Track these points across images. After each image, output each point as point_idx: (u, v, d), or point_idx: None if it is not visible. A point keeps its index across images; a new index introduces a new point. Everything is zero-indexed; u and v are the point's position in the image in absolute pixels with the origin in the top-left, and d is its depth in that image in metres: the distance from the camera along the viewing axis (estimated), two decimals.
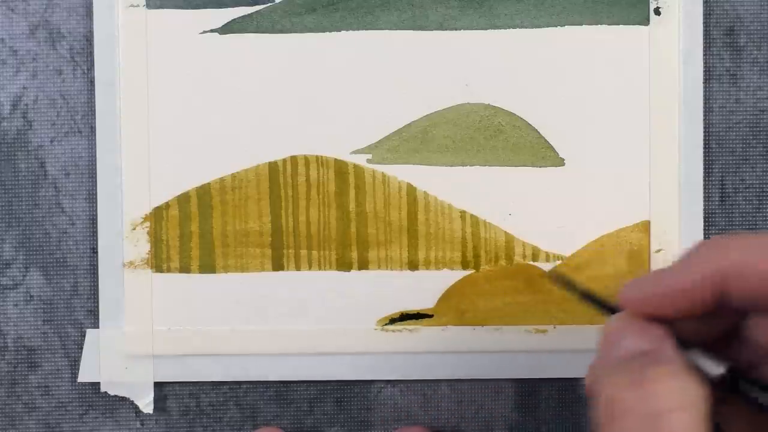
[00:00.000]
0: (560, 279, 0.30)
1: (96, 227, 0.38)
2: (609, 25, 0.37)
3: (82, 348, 0.38)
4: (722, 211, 0.38)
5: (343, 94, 0.38)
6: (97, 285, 0.38)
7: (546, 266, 0.38)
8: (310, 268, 0.38)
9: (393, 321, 0.38)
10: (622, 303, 0.26)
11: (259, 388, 0.38)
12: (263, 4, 0.38)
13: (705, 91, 0.38)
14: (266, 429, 0.38)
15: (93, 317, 0.38)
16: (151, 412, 0.38)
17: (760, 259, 0.23)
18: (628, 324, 0.25)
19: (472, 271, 0.38)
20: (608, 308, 0.27)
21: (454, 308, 0.38)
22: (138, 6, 0.37)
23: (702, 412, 0.22)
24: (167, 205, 0.38)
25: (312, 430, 0.39)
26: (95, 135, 0.38)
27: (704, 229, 0.38)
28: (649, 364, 0.23)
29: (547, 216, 0.38)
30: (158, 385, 0.38)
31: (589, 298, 0.28)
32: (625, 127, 0.37)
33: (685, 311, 0.25)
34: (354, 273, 0.38)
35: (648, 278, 0.25)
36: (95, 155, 0.38)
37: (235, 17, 0.38)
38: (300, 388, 0.38)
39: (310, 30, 0.38)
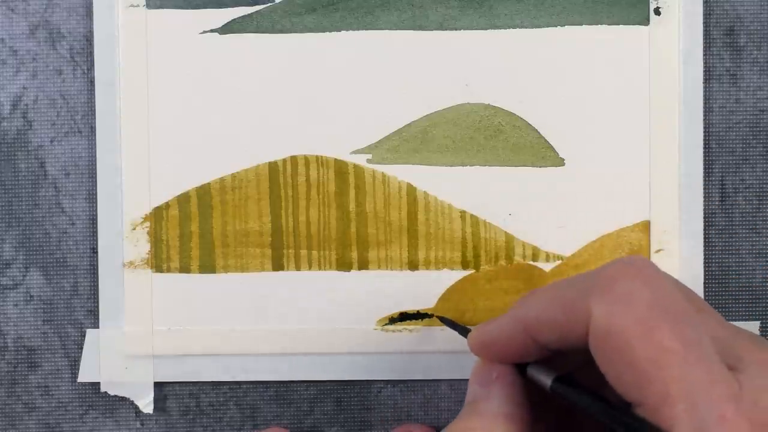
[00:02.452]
0: (442, 318, 0.37)
1: (96, 227, 0.38)
2: (609, 25, 0.37)
3: (82, 348, 0.38)
4: (722, 211, 0.38)
5: (343, 94, 0.38)
6: (97, 285, 0.38)
7: (546, 266, 0.38)
8: (310, 268, 0.38)
9: (393, 321, 0.38)
10: (471, 350, 0.30)
11: (259, 388, 0.38)
12: (263, 4, 0.38)
13: (705, 91, 0.38)
14: (273, 429, 0.38)
15: (93, 317, 0.38)
16: (151, 412, 0.38)
17: (547, 312, 0.27)
18: (474, 370, 0.30)
19: (472, 271, 0.38)
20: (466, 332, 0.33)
21: (454, 308, 0.38)
22: (138, 6, 0.37)
23: None
24: (167, 205, 0.38)
25: (312, 430, 0.39)
26: (95, 135, 0.38)
27: (704, 229, 0.38)
28: (470, 414, 0.29)
29: (547, 216, 0.38)
30: (158, 385, 0.38)
31: (462, 332, 0.35)
32: (625, 127, 0.37)
33: (517, 356, 0.29)
34: (354, 273, 0.38)
35: (482, 327, 0.30)
36: (95, 155, 0.38)
37: (235, 17, 0.38)
38: (300, 388, 0.38)
39: (310, 30, 0.38)
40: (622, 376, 0.25)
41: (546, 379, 0.28)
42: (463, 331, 0.35)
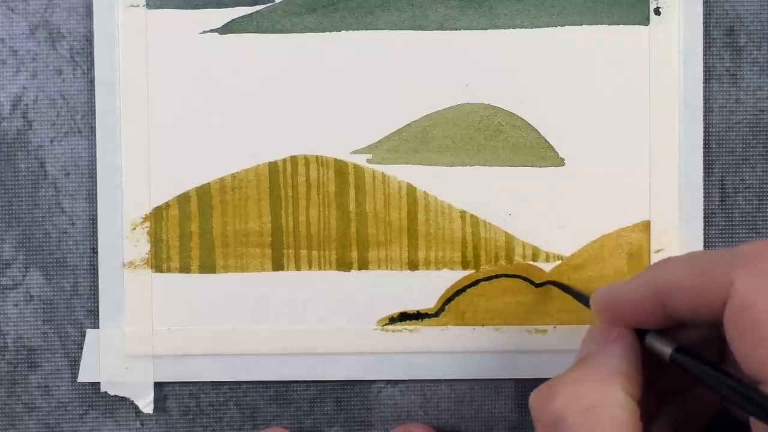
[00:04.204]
0: (557, 284, 0.36)
1: (96, 227, 0.38)
2: (609, 25, 0.37)
3: (82, 348, 0.38)
4: (722, 211, 0.38)
5: (343, 94, 0.38)
6: (97, 285, 0.38)
7: (546, 266, 0.38)
8: (310, 268, 0.38)
9: (393, 321, 0.38)
10: (592, 310, 0.30)
11: (259, 388, 0.38)
12: (263, 4, 0.38)
13: (705, 91, 0.38)
14: (273, 429, 0.38)
15: (93, 317, 0.38)
16: (151, 412, 0.38)
17: (685, 278, 0.27)
18: (592, 329, 0.30)
19: (472, 271, 0.38)
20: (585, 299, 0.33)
21: (454, 308, 0.38)
22: (138, 6, 0.37)
23: (626, 407, 0.27)
24: (167, 205, 0.38)
25: (312, 430, 0.39)
26: (95, 135, 0.38)
27: (704, 229, 0.38)
28: (585, 367, 0.28)
29: (547, 216, 0.38)
30: (158, 385, 0.38)
31: (580, 298, 0.34)
32: (625, 127, 0.37)
33: (641, 321, 0.29)
34: (354, 273, 0.38)
35: (608, 289, 0.30)
36: (95, 155, 0.38)
37: (235, 17, 0.38)
38: (300, 388, 0.38)
39: (310, 30, 0.38)
40: (753, 352, 0.25)
41: (666, 348, 0.28)
42: (580, 296, 0.34)
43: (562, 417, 0.27)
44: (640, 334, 0.29)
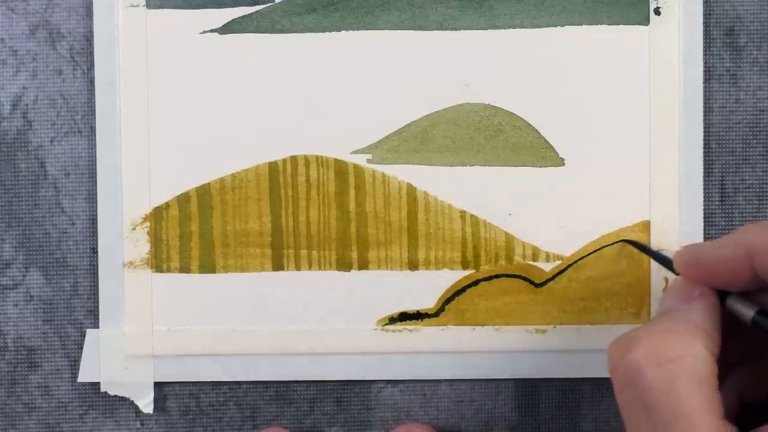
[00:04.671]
0: (632, 242, 0.36)
1: (96, 227, 0.38)
2: (609, 25, 0.37)
3: (82, 348, 0.38)
4: (722, 211, 0.38)
5: (343, 94, 0.38)
6: (97, 285, 0.38)
7: (546, 266, 0.38)
8: (310, 268, 0.38)
9: (393, 321, 0.38)
10: (676, 266, 0.30)
11: (259, 388, 0.38)
12: (263, 4, 0.38)
13: (705, 91, 0.38)
14: (273, 429, 0.38)
15: (93, 317, 0.38)
16: (151, 412, 0.38)
17: None
18: (674, 286, 0.30)
19: (472, 271, 0.38)
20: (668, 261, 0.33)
21: (453, 308, 0.38)
22: (138, 6, 0.37)
23: (706, 363, 0.26)
24: (167, 205, 0.38)
25: (312, 430, 0.39)
26: (95, 135, 0.38)
27: (704, 229, 0.38)
28: (670, 319, 0.28)
29: (547, 216, 0.38)
30: (158, 385, 0.38)
31: (658, 258, 0.34)
32: (625, 127, 0.37)
33: (726, 281, 0.28)
34: (354, 273, 0.38)
35: (695, 247, 0.30)
36: (95, 155, 0.38)
37: (235, 17, 0.38)
38: (300, 388, 0.38)
39: (310, 30, 0.38)
40: None
41: (748, 311, 0.28)
42: (661, 258, 0.34)
43: (640, 368, 0.26)
44: (722, 296, 0.29)
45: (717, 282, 0.29)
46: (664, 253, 0.35)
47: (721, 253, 0.28)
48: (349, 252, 0.38)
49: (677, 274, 0.31)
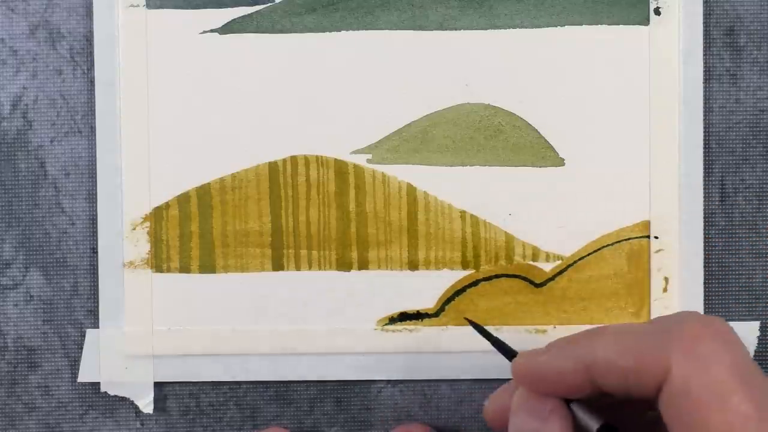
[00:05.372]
0: (472, 323, 0.35)
1: (96, 227, 0.38)
2: (609, 25, 0.37)
3: (82, 348, 0.38)
4: (722, 211, 0.38)
5: (343, 94, 0.38)
6: (97, 285, 0.38)
7: (546, 266, 0.38)
8: (310, 268, 0.38)
9: (393, 321, 0.38)
10: (514, 377, 0.29)
11: (259, 388, 0.38)
12: (263, 4, 0.38)
13: (705, 91, 0.38)
14: (273, 429, 0.38)
15: (93, 317, 0.38)
16: (151, 412, 0.38)
17: (618, 357, 0.26)
18: (522, 401, 0.29)
19: (472, 271, 0.38)
20: (510, 355, 0.32)
21: (453, 308, 0.38)
22: (138, 6, 0.37)
23: None
24: (167, 205, 0.38)
25: (312, 430, 0.39)
26: (95, 135, 0.38)
27: (704, 229, 0.38)
28: None
29: (547, 216, 0.38)
30: (158, 385, 0.38)
31: (495, 343, 0.33)
32: (625, 127, 0.37)
33: (567, 392, 0.28)
34: (354, 273, 0.38)
35: (532, 356, 0.29)
36: (95, 155, 0.38)
37: (235, 17, 0.38)
38: (300, 388, 0.38)
39: (310, 30, 0.38)
40: None
41: (592, 423, 0.28)
42: (506, 352, 0.33)
43: None
44: (566, 401, 0.29)
45: (557, 392, 0.29)
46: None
47: (560, 366, 0.28)
48: (349, 252, 0.38)
49: (510, 361, 0.30)
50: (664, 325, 0.27)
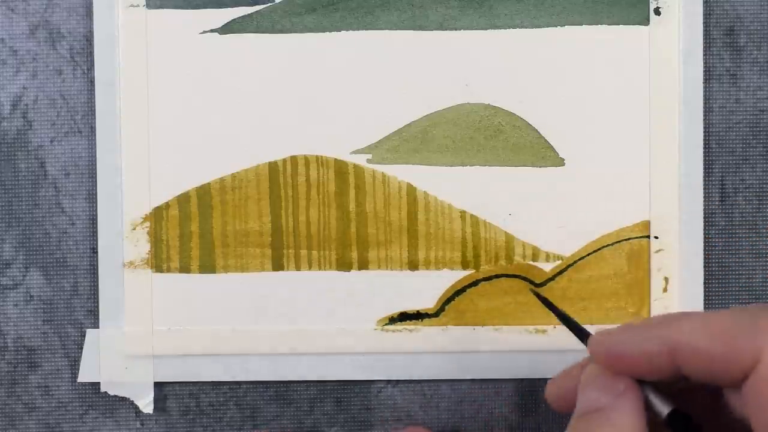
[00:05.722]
0: (543, 299, 0.33)
1: (96, 227, 0.38)
2: (609, 25, 0.37)
3: (82, 348, 0.38)
4: (722, 211, 0.38)
5: (343, 94, 0.38)
6: (97, 285, 0.38)
7: (546, 266, 0.38)
8: (310, 268, 0.38)
9: (393, 321, 0.38)
10: (592, 354, 0.28)
11: (259, 388, 0.38)
12: (263, 4, 0.38)
13: (705, 91, 0.38)
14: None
15: (93, 317, 0.38)
16: (151, 412, 0.38)
17: (705, 342, 0.26)
18: (593, 377, 0.28)
19: (472, 271, 0.38)
20: (583, 334, 0.31)
21: (454, 308, 0.38)
22: (138, 6, 0.37)
23: None
24: (167, 205, 0.38)
25: (312, 430, 0.39)
26: (95, 135, 0.38)
27: (704, 229, 0.38)
28: (602, 425, 0.27)
29: (547, 216, 0.38)
30: (158, 385, 0.38)
31: (567, 321, 0.32)
32: (625, 127, 0.37)
33: (645, 374, 0.27)
34: (354, 273, 0.38)
35: (612, 335, 0.28)
36: (95, 155, 0.38)
37: (235, 17, 0.38)
38: (300, 388, 0.38)
39: (310, 30, 0.38)
40: None
41: (664, 408, 0.27)
42: (581, 332, 0.32)
43: None
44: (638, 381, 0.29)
45: (635, 372, 0.28)
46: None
47: (642, 346, 0.27)
48: (349, 252, 0.38)
49: (584, 343, 0.30)
50: (752, 313, 0.26)
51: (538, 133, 0.38)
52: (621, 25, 0.37)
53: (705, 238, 0.38)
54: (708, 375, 0.26)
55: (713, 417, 0.28)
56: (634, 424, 0.26)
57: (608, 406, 0.27)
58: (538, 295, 0.34)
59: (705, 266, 0.38)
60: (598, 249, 0.38)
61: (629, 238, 0.38)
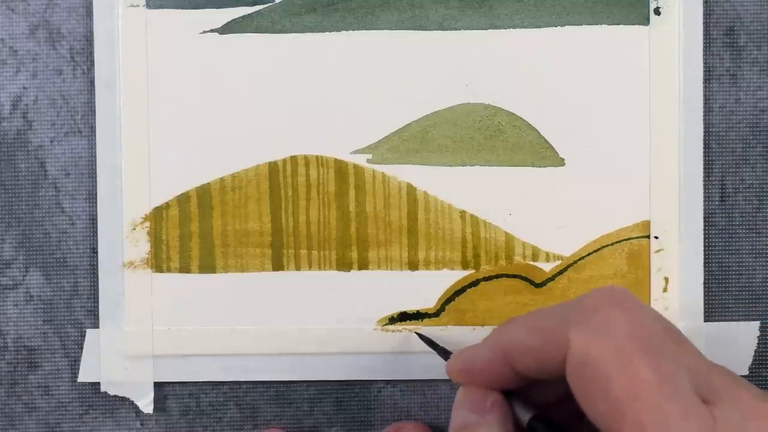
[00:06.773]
0: (423, 337, 0.36)
1: (96, 227, 0.38)
2: (609, 25, 0.37)
3: (82, 348, 0.38)
4: (722, 211, 0.38)
5: (343, 94, 0.38)
6: (97, 285, 0.38)
7: (546, 266, 0.38)
8: (310, 268, 0.38)
9: (393, 321, 0.38)
10: (450, 376, 0.31)
11: (259, 388, 0.38)
12: (263, 4, 0.38)
13: (705, 91, 0.38)
14: (273, 430, 0.38)
15: (93, 317, 0.38)
16: (151, 412, 0.38)
17: (526, 338, 0.28)
18: (464, 396, 0.30)
19: (472, 271, 0.38)
20: (447, 356, 0.33)
21: (454, 308, 0.38)
22: (138, 6, 0.37)
23: None
24: (167, 205, 0.38)
25: (312, 430, 0.39)
26: (95, 135, 0.38)
27: (704, 229, 0.38)
28: None
29: (547, 216, 0.38)
30: (158, 385, 0.38)
31: (439, 351, 0.35)
32: (625, 127, 0.37)
33: (496, 382, 0.29)
34: (354, 273, 0.38)
35: (463, 353, 0.30)
36: (95, 155, 0.38)
37: (235, 17, 0.38)
38: (300, 388, 0.38)
39: (310, 30, 0.38)
40: (597, 407, 0.25)
41: (526, 415, 0.29)
42: (444, 353, 0.35)
43: None
44: (506, 394, 0.30)
45: (488, 383, 0.29)
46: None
47: (483, 358, 0.29)
48: (349, 252, 0.38)
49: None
50: (564, 308, 0.28)
51: (538, 133, 0.38)
52: (621, 25, 0.37)
53: (705, 238, 0.38)
54: (537, 370, 0.27)
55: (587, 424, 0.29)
56: None
57: (476, 422, 0.29)
58: (420, 336, 0.37)
59: (705, 266, 0.38)
60: (598, 249, 0.38)
61: (629, 238, 0.38)
